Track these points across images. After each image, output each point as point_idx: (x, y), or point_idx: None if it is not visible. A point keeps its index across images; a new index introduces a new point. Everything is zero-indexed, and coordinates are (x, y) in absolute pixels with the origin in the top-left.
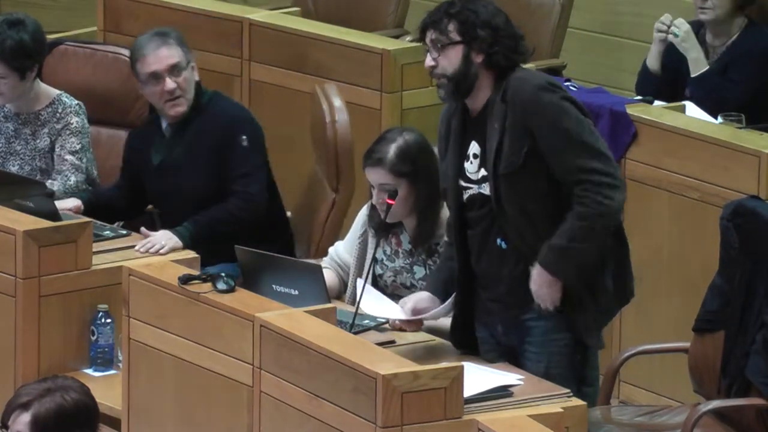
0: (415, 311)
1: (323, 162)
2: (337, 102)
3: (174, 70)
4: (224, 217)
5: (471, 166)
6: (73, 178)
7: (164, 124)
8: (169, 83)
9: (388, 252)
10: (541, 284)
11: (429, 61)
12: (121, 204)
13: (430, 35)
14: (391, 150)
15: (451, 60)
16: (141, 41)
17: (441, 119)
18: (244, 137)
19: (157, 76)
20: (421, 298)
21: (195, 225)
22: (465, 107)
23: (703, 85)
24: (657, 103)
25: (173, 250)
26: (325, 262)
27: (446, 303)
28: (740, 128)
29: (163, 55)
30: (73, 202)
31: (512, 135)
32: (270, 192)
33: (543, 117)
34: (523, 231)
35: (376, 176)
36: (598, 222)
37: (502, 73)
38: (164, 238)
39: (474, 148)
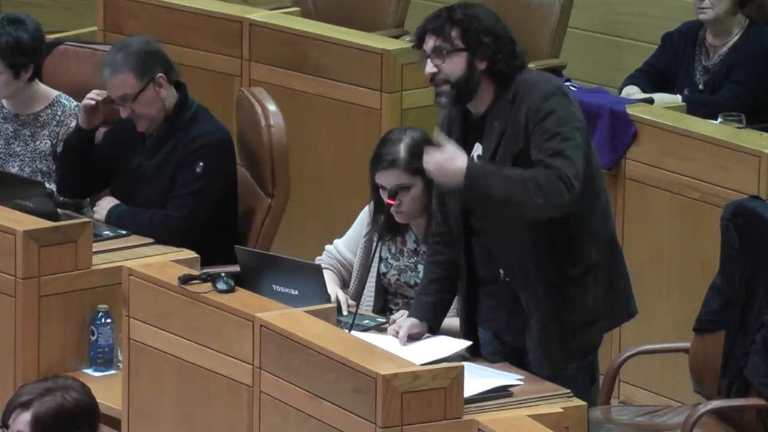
0: (411, 338)
1: (256, 166)
2: (272, 106)
3: (125, 99)
4: (146, 223)
5: None
6: None
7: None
8: (122, 111)
9: (393, 251)
10: (446, 167)
11: (430, 68)
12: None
13: (433, 42)
14: (402, 149)
15: (454, 67)
16: (105, 59)
17: (440, 125)
18: (201, 164)
19: (112, 101)
20: (412, 324)
21: (126, 214)
22: (465, 110)
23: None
24: (657, 102)
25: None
26: (324, 262)
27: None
28: (740, 128)
29: (114, 86)
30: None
31: (510, 136)
32: (224, 217)
33: (541, 120)
34: (500, 236)
35: (391, 178)
36: (533, 192)
37: (506, 77)
38: (104, 203)
39: (478, 149)
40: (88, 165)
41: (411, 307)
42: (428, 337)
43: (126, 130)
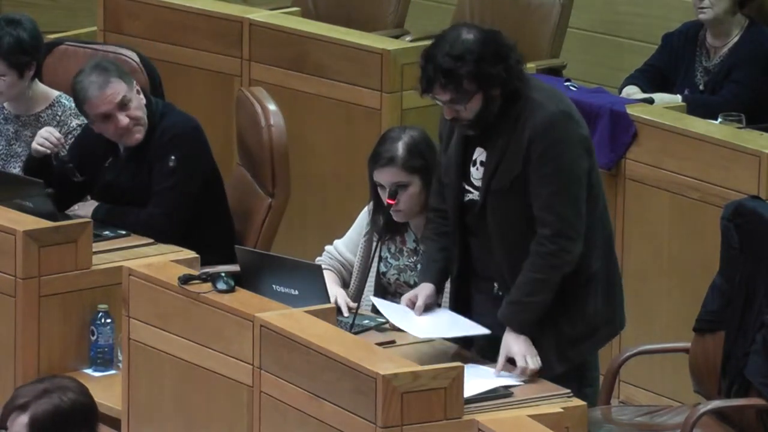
0: (427, 307)
1: (256, 166)
2: (272, 105)
3: (123, 105)
4: (132, 223)
5: (477, 172)
6: None
7: (121, 146)
8: (122, 120)
9: (392, 250)
10: (510, 343)
11: (451, 113)
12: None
13: (447, 95)
14: (400, 147)
15: (473, 108)
16: (83, 83)
17: (442, 117)
18: (173, 157)
19: (108, 116)
20: (428, 294)
21: (110, 213)
22: None
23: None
24: (657, 102)
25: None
26: (324, 263)
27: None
28: (740, 128)
29: (109, 94)
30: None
31: (511, 156)
32: (215, 208)
33: (544, 145)
34: (495, 243)
35: (388, 176)
36: (553, 273)
37: (517, 90)
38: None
39: (481, 155)
40: (54, 179)
41: (420, 271)
42: (443, 311)
43: (87, 145)
